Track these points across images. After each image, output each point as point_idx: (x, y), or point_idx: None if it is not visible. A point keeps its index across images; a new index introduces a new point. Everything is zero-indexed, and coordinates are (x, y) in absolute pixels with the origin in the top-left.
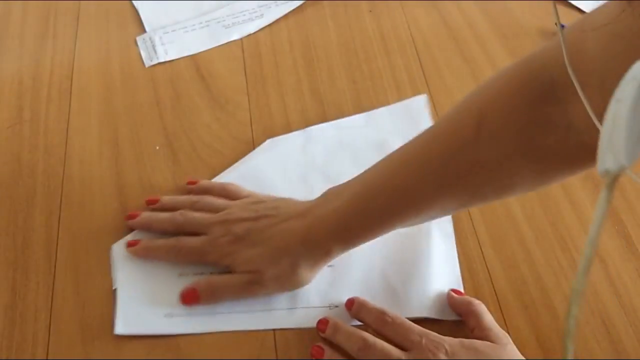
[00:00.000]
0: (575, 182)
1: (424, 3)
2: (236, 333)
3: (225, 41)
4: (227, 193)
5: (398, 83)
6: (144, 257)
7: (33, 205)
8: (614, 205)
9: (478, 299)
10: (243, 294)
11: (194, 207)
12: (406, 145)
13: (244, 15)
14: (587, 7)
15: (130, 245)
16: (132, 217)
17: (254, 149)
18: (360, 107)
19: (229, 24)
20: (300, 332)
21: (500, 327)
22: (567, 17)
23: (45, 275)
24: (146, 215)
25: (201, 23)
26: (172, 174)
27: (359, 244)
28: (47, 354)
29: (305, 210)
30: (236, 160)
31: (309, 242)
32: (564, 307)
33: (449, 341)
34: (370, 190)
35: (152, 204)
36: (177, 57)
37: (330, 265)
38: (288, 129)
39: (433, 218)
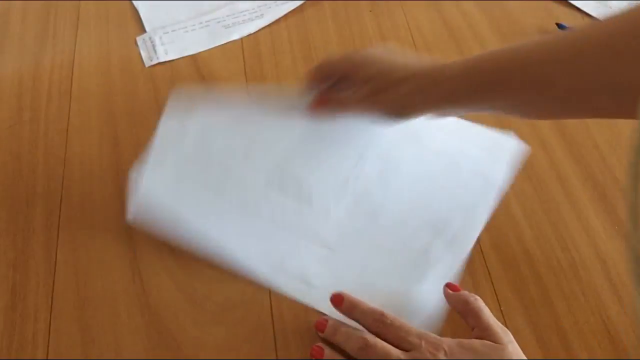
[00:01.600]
0: (575, 182)
1: (424, 3)
2: (236, 333)
3: (225, 41)
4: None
5: None
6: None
7: (33, 205)
8: (614, 205)
9: None
10: None
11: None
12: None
13: (244, 15)
14: (587, 7)
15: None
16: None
17: None
18: None
19: (229, 24)
20: (301, 334)
21: None
22: (567, 17)
23: (45, 275)
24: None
25: (201, 23)
26: None
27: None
28: (47, 354)
29: None
30: None
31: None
32: (564, 307)
33: (447, 342)
34: (471, 65)
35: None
36: (177, 57)
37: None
38: None
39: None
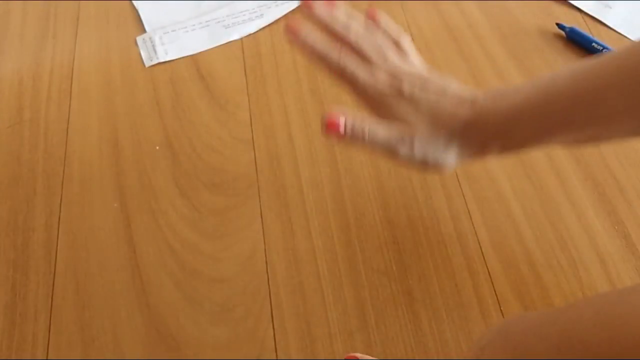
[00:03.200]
0: (575, 182)
1: (424, 3)
2: (236, 333)
3: (225, 41)
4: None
5: None
6: (306, 49)
7: (33, 205)
8: (614, 205)
9: (478, 299)
10: (386, 146)
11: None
12: (593, 59)
13: (244, 15)
14: (586, 7)
15: (290, 29)
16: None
17: (254, 148)
18: (360, 107)
19: (229, 24)
20: (301, 334)
21: None
22: (567, 17)
23: (45, 275)
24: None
25: (201, 23)
26: (172, 174)
27: (517, 150)
28: (47, 354)
29: (474, 98)
30: (236, 160)
31: (470, 130)
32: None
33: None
34: (550, 92)
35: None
36: (177, 57)
37: None
38: (288, 128)
39: (609, 138)
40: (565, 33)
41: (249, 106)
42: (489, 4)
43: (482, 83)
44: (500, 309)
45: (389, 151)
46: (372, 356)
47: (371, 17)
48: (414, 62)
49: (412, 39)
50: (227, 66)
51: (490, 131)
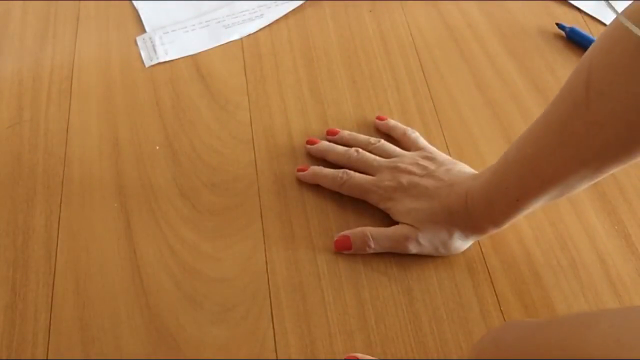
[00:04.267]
0: None
1: (424, 3)
2: (236, 332)
3: (225, 41)
4: (407, 140)
5: (398, 83)
6: (311, 181)
7: (33, 205)
8: (614, 205)
9: (478, 298)
10: (396, 247)
11: (368, 147)
12: (533, 123)
13: (244, 15)
14: (586, 7)
15: (299, 170)
16: (311, 142)
17: (254, 149)
18: (360, 107)
19: (229, 24)
20: (301, 334)
21: None
22: (567, 17)
23: (45, 276)
24: (325, 144)
25: (201, 23)
26: (172, 174)
27: (507, 223)
28: (47, 354)
29: (464, 180)
30: (236, 160)
31: (464, 214)
32: (564, 307)
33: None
34: (505, 163)
35: (332, 135)
36: (177, 57)
37: None
38: (288, 128)
39: (571, 189)
40: (565, 33)
41: (249, 106)
42: (488, 4)
43: (482, 84)
44: (500, 309)
45: (400, 251)
46: (372, 356)
47: (380, 118)
48: (423, 149)
49: (412, 39)
50: (227, 66)
51: (478, 215)
